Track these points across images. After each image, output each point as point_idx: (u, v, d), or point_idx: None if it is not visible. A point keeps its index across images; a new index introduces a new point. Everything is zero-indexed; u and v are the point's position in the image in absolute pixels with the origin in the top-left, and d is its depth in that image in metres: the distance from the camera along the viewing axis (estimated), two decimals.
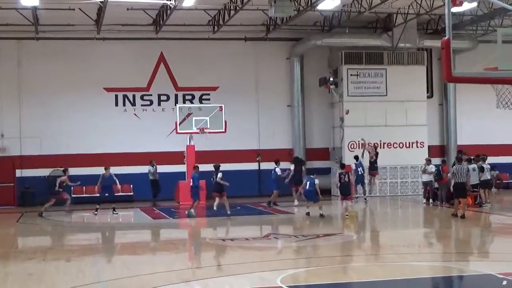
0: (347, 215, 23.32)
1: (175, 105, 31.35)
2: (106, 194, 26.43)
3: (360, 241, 19.35)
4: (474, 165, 26.01)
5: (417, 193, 31.78)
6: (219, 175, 24.47)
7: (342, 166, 24.93)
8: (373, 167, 29.85)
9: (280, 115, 33.65)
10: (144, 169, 30.39)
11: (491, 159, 29.40)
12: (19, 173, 31.33)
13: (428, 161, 28.25)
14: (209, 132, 28.97)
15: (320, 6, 26.95)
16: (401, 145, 32.65)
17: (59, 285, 13.19)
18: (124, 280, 13.53)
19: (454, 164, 28.40)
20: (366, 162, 29.40)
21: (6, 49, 31.24)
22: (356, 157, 29.40)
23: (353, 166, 28.94)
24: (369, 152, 29.79)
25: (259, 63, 33.53)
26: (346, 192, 23.76)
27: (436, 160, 30.40)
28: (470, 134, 34.55)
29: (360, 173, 28.87)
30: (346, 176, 23.81)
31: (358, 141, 30.63)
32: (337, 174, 24.20)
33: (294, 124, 33.46)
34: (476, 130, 34.79)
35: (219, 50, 32.94)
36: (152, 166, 29.98)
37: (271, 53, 33.56)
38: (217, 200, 25.00)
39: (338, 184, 23.79)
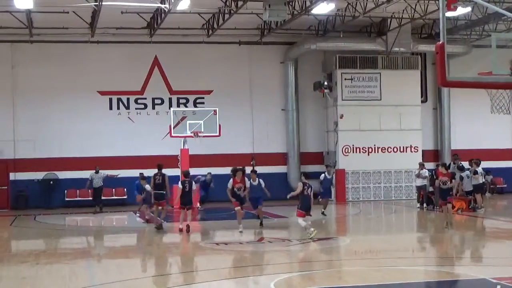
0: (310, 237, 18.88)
1: (169, 108, 31.29)
2: None
3: (354, 246, 19.31)
4: (467, 172, 26.19)
5: (411, 197, 31.80)
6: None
7: (306, 176, 20.02)
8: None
9: (274, 119, 33.64)
10: (137, 173, 30.26)
11: (485, 164, 29.40)
12: (12, 176, 31.23)
13: (422, 166, 28.24)
14: (203, 136, 28.86)
15: (315, 10, 26.99)
16: (395, 149, 32.67)
17: None
18: (117, 284, 13.47)
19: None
20: None
21: (0, 52, 31.20)
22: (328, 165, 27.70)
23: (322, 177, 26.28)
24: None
25: (253, 67, 33.52)
26: (308, 207, 19.38)
27: (430, 165, 30.47)
28: (464, 139, 34.60)
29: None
30: (309, 189, 19.30)
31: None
32: (300, 184, 19.45)
33: (288, 128, 33.46)
34: (470, 134, 34.85)
35: (214, 53, 32.93)
36: (96, 173, 28.77)
37: (265, 57, 33.56)
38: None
39: (292, 195, 19.81)
